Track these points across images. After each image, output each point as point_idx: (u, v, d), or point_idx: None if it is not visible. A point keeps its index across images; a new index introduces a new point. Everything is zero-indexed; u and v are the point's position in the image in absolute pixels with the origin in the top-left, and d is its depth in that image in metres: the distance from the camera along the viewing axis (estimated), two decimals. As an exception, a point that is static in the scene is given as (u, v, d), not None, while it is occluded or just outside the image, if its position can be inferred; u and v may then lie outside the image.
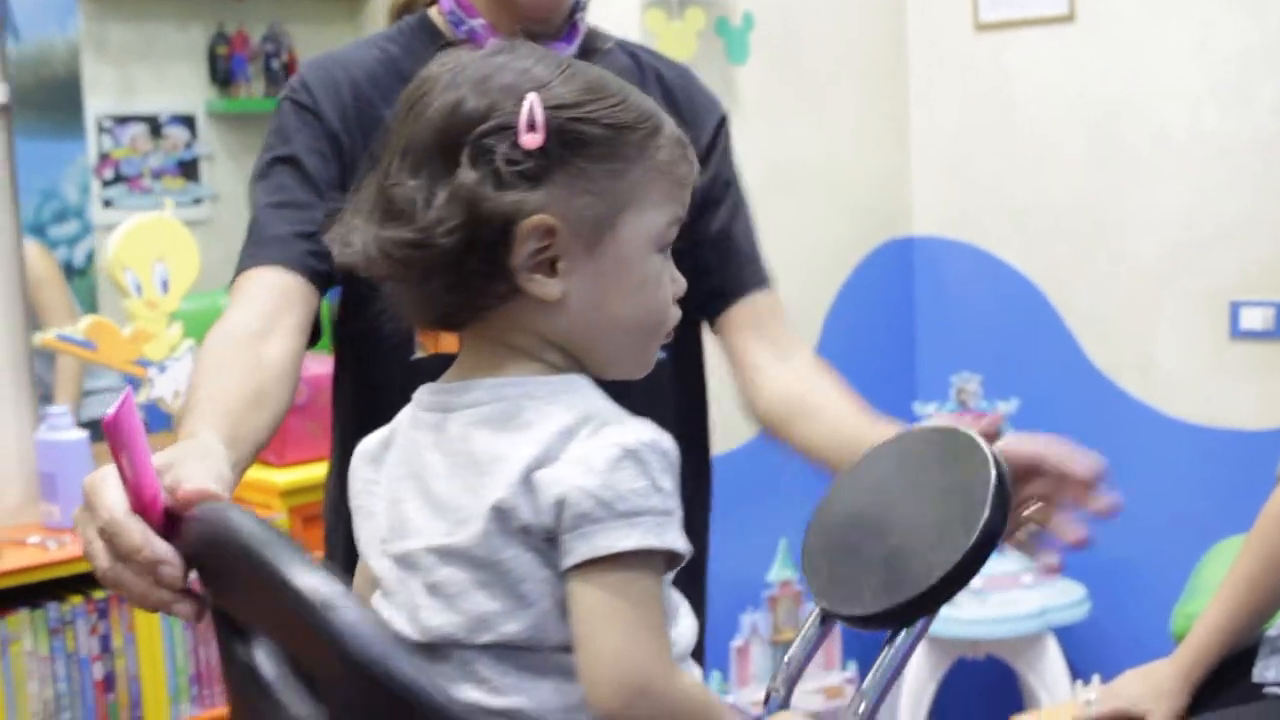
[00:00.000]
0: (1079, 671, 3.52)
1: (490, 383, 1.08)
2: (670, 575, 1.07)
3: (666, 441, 1.04)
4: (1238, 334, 3.48)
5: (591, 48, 1.71)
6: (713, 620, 1.78)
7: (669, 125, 1.12)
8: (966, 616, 3.40)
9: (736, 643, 3.35)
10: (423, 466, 1.09)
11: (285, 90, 1.67)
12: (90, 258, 2.97)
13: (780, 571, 3.41)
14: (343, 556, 1.56)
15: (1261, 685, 1.92)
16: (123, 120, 3.69)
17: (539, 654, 1.04)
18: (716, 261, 1.71)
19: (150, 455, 1.07)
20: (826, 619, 1.25)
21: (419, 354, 1.59)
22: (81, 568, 2.52)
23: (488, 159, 1.04)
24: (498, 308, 1.08)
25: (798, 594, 3.41)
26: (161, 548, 1.06)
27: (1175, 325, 3.55)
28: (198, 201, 3.80)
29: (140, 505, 1.06)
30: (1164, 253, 3.54)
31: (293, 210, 1.57)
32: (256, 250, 1.56)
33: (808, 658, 1.26)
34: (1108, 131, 3.60)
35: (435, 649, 1.06)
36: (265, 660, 1.04)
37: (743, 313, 1.71)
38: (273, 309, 1.50)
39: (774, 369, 1.67)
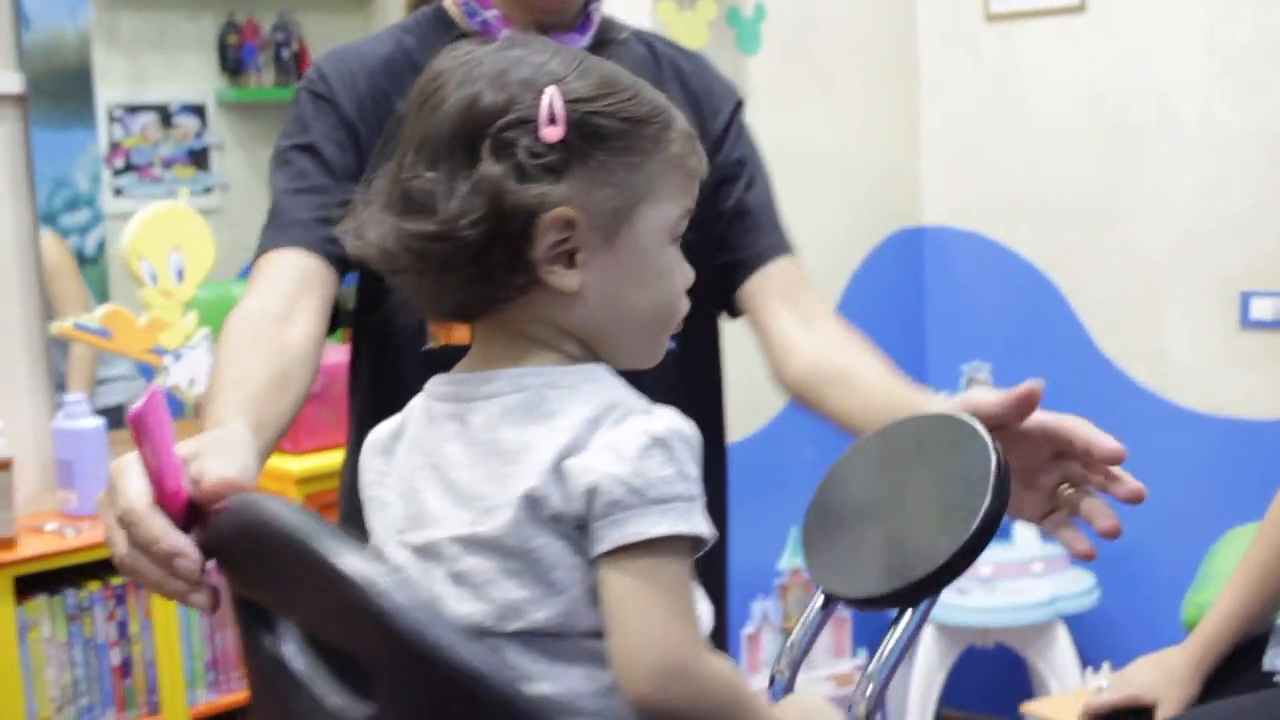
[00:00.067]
0: (1089, 660, 3.55)
1: (512, 373, 1.10)
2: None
3: (689, 428, 1.06)
4: (1248, 324, 3.50)
5: (607, 38, 1.73)
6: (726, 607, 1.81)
7: (680, 119, 1.15)
8: (976, 605, 3.43)
9: (747, 630, 3.39)
10: (442, 457, 1.11)
11: (302, 81, 1.70)
12: (101, 247, 3.00)
13: (791, 560, 3.44)
14: None
15: (1272, 674, 1.94)
16: (133, 109, 3.73)
17: (569, 640, 1.06)
18: (734, 235, 1.73)
19: (175, 449, 1.09)
20: (828, 602, 1.27)
21: (431, 345, 1.61)
22: (99, 554, 2.56)
23: (509, 152, 1.06)
24: (516, 299, 1.10)
25: (808, 582, 3.45)
26: (178, 540, 1.07)
27: (1185, 315, 3.57)
28: (208, 190, 3.84)
29: (162, 496, 1.08)
30: (1174, 243, 3.56)
31: (312, 195, 1.59)
32: (277, 234, 1.59)
33: (811, 641, 1.28)
34: (1118, 122, 3.62)
35: None
36: (294, 652, 1.05)
37: (765, 281, 1.71)
38: (294, 291, 1.52)
39: (801, 337, 1.66)
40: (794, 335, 1.66)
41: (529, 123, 1.07)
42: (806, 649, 1.29)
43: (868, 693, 1.20)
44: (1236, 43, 3.44)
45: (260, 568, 1.06)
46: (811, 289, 1.73)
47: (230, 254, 3.02)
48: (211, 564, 1.11)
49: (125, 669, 2.63)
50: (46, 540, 2.57)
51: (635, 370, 1.15)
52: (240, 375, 1.39)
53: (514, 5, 1.67)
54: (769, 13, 3.44)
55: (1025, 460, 1.38)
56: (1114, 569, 3.62)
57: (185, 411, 2.98)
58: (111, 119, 3.66)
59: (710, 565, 1.09)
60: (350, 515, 1.71)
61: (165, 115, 3.79)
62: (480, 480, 1.07)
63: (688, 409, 1.09)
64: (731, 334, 1.81)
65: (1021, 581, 3.50)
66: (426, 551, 1.08)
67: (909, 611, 1.20)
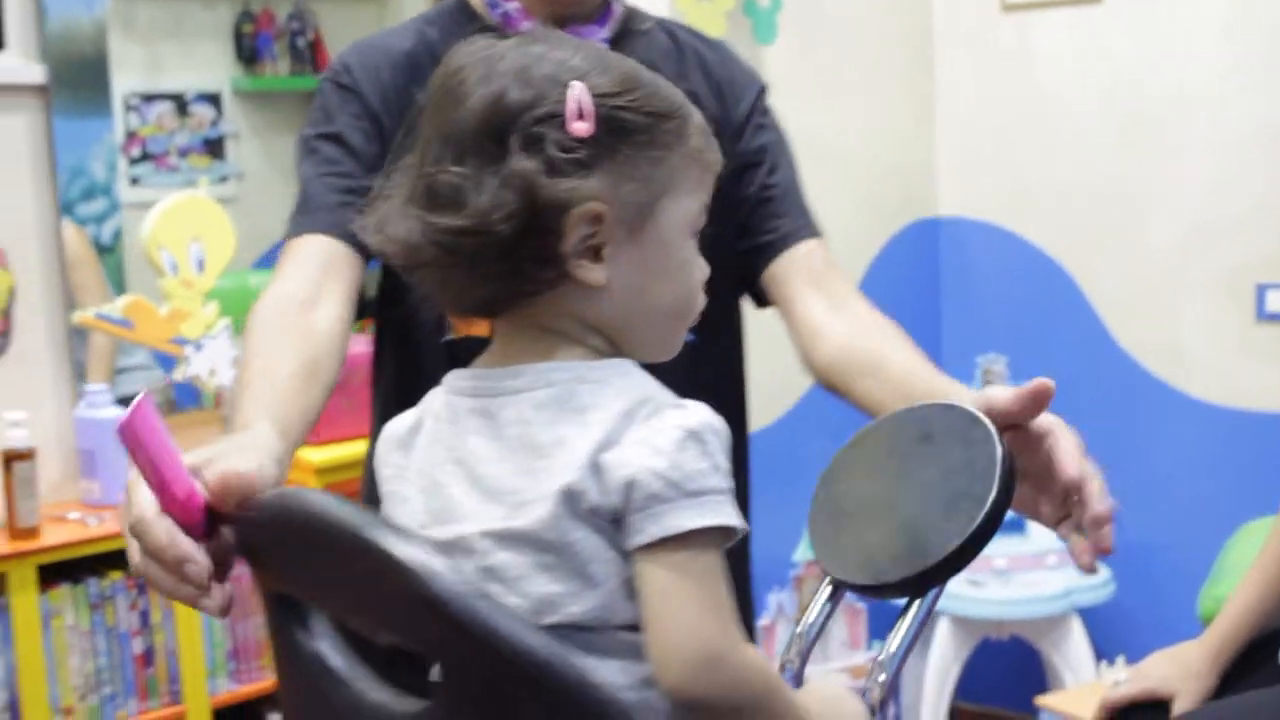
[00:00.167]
0: (1103, 653, 3.58)
1: (539, 367, 1.11)
2: None
3: (719, 421, 1.08)
4: (1263, 316, 3.52)
5: (631, 28, 1.74)
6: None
7: (697, 114, 1.17)
8: (991, 597, 3.45)
9: (763, 622, 3.42)
10: (467, 452, 1.12)
11: (326, 72, 1.72)
12: (117, 236, 3.03)
13: (806, 551, 3.47)
14: None
15: None
16: (149, 98, 3.77)
17: (604, 634, 1.07)
18: (758, 220, 1.73)
19: (178, 454, 1.09)
20: (836, 590, 1.29)
21: (452, 335, 1.62)
22: (121, 544, 2.58)
23: (539, 147, 1.07)
24: (543, 294, 1.11)
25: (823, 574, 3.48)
26: (186, 546, 1.09)
27: (1201, 307, 3.59)
28: (223, 179, 3.88)
29: (173, 504, 1.09)
30: (1190, 234, 3.58)
31: (338, 179, 1.61)
32: (303, 219, 1.61)
33: (820, 629, 1.30)
34: (1134, 113, 3.64)
35: None
36: (330, 648, 1.07)
37: (791, 264, 1.72)
38: (320, 276, 1.54)
39: (830, 322, 1.67)
40: (821, 319, 1.67)
41: (557, 117, 1.08)
42: (815, 637, 1.31)
43: (880, 680, 1.22)
44: (1252, 34, 3.46)
45: (302, 561, 1.07)
46: (838, 271, 1.73)
47: (246, 243, 3.06)
48: (230, 566, 1.14)
49: (147, 658, 2.66)
50: (69, 529, 2.61)
51: (653, 363, 1.16)
52: (267, 368, 1.42)
53: None
54: (785, 3, 3.47)
55: (1039, 461, 1.35)
56: (1129, 562, 3.64)
57: (205, 401, 3.03)
58: (128, 108, 3.70)
59: (735, 557, 1.11)
60: (372, 506, 1.75)
61: (181, 104, 3.83)
62: (511, 475, 1.09)
63: (706, 401, 1.10)
64: (747, 325, 1.82)
65: (1036, 574, 3.52)
66: (454, 546, 1.09)
67: (917, 600, 1.23)
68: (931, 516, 1.22)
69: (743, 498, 1.80)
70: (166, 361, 2.95)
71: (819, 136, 3.57)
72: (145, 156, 3.75)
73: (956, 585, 3.47)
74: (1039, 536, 3.62)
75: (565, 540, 1.06)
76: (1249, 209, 3.50)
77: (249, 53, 3.92)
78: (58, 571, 2.59)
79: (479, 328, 1.58)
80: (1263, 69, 3.45)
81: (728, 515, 1.06)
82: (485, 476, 1.10)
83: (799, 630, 1.30)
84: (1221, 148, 3.53)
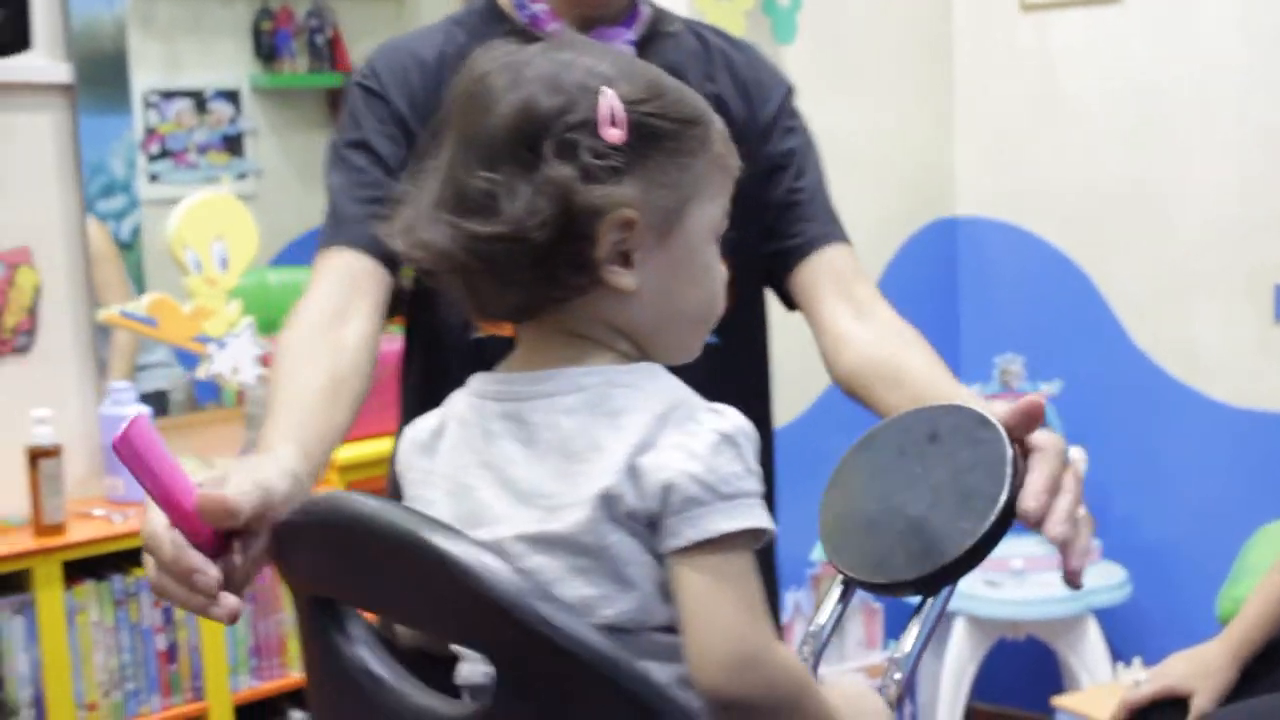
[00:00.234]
0: (1119, 654, 3.60)
1: (571, 372, 1.13)
2: None
3: (749, 424, 1.11)
4: (1282, 317, 3.56)
5: (658, 30, 1.75)
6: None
7: (718, 119, 1.20)
8: (1008, 597, 3.47)
9: (781, 621, 3.45)
10: (498, 456, 1.14)
11: (355, 75, 1.74)
12: (136, 232, 3.06)
13: (823, 551, 3.49)
14: None
15: None
16: (169, 95, 3.80)
17: (640, 636, 1.09)
18: (784, 224, 1.74)
19: (179, 469, 1.13)
20: (848, 588, 1.32)
21: (478, 334, 1.64)
22: (145, 541, 2.64)
23: (573, 154, 1.09)
24: (574, 299, 1.13)
25: (840, 574, 3.50)
26: (193, 558, 1.13)
27: (1219, 308, 3.61)
28: (242, 176, 3.90)
29: (181, 518, 1.13)
30: (1208, 235, 3.60)
31: (366, 190, 1.63)
32: (332, 233, 1.64)
33: (833, 627, 1.33)
34: (1153, 113, 3.66)
35: None
36: (370, 653, 1.09)
37: (816, 269, 1.73)
38: (348, 291, 1.57)
39: (854, 330, 1.68)
40: (846, 326, 1.69)
41: (589, 124, 1.10)
42: (829, 636, 1.33)
43: (896, 678, 1.26)
44: (1271, 34, 3.48)
45: (350, 565, 1.08)
46: (863, 276, 1.75)
47: (264, 240, 3.09)
48: (249, 577, 1.17)
49: (170, 654, 2.70)
50: (95, 526, 2.64)
51: (679, 365, 1.18)
52: (293, 389, 1.44)
53: (562, 1, 1.70)
54: (805, 2, 3.50)
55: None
56: (1146, 563, 3.67)
57: (226, 399, 3.06)
58: (147, 105, 3.72)
59: (761, 557, 1.13)
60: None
61: (200, 101, 3.85)
62: (544, 479, 1.11)
63: (731, 403, 1.13)
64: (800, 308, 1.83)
65: (1053, 574, 3.52)
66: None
67: (930, 599, 1.26)
68: (944, 516, 1.25)
69: (769, 499, 1.83)
70: (187, 359, 2.99)
71: (837, 136, 3.58)
72: (164, 153, 3.77)
73: (973, 585, 3.49)
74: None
75: (602, 544, 1.08)
76: (1267, 210, 3.52)
77: (268, 50, 3.93)
78: (82, 568, 2.62)
79: (505, 327, 1.60)
80: (1282, 69, 3.47)
81: (760, 518, 1.08)
82: (517, 480, 1.12)
83: (811, 629, 1.32)
84: (1240, 148, 3.55)
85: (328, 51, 4.00)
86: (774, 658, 1.08)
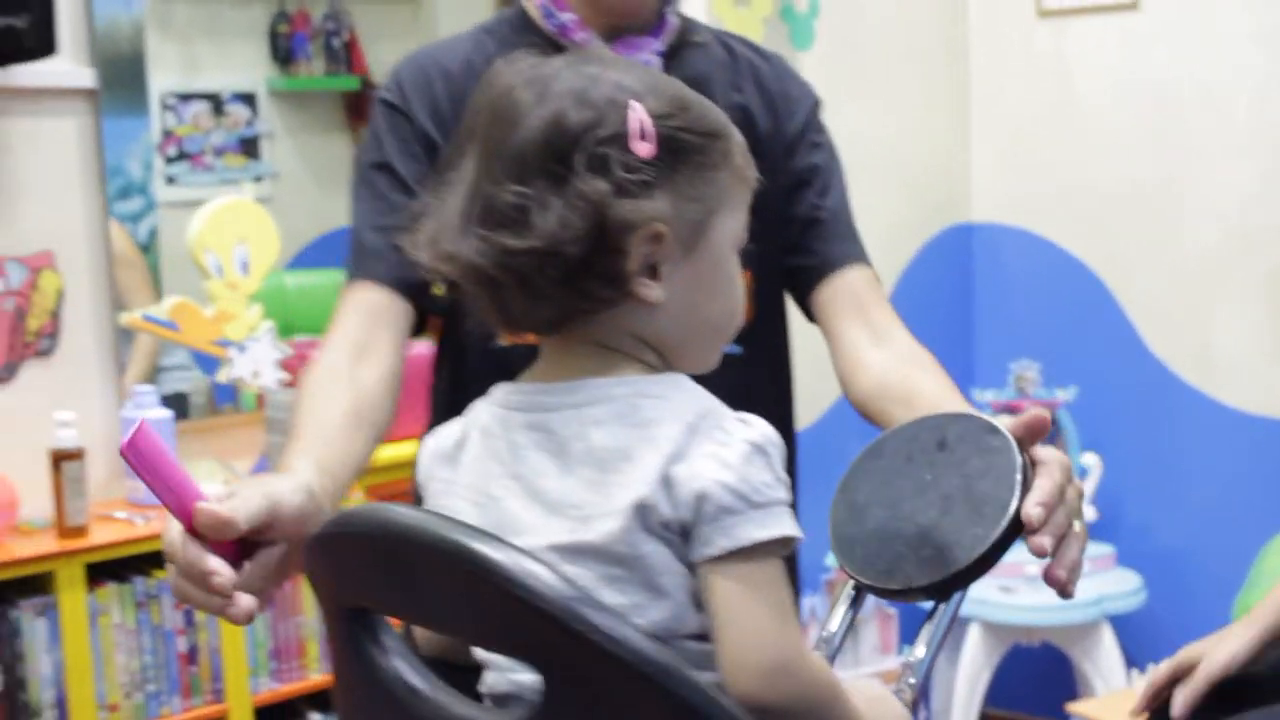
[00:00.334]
0: (1134, 660, 3.63)
1: (599, 383, 1.15)
2: None
3: (776, 434, 1.13)
4: (1298, 324, 3.58)
5: (686, 40, 1.77)
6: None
7: (738, 133, 1.23)
8: (1022, 603, 3.50)
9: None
10: (526, 466, 1.16)
11: (381, 88, 1.76)
12: (153, 234, 3.10)
13: (835, 557, 3.52)
14: None
15: None
16: (186, 97, 3.84)
17: (673, 644, 1.11)
18: (807, 241, 1.77)
19: (186, 476, 1.18)
20: (859, 594, 1.35)
21: (501, 342, 1.65)
22: (167, 543, 2.68)
23: (605, 168, 1.11)
24: (602, 311, 1.15)
25: (855, 579, 3.54)
26: (208, 562, 1.18)
27: (1235, 314, 3.64)
28: (258, 179, 3.94)
29: (189, 523, 1.18)
30: (1224, 241, 3.63)
31: (388, 217, 1.66)
32: (355, 265, 1.68)
33: (846, 631, 1.36)
34: (1169, 119, 3.69)
35: None
36: (406, 664, 1.10)
37: (836, 291, 1.75)
38: (370, 326, 1.62)
39: (870, 353, 1.71)
40: (863, 350, 1.72)
41: (620, 138, 1.12)
42: (841, 641, 1.36)
43: (911, 683, 1.29)
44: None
45: (387, 576, 1.09)
46: (882, 300, 1.78)
47: (280, 242, 3.12)
48: (273, 582, 1.22)
49: (191, 656, 2.73)
50: (117, 528, 2.67)
51: (700, 374, 1.21)
52: (313, 422, 1.49)
53: (590, 8, 1.71)
54: (822, 8, 3.54)
55: None
56: (1161, 570, 3.70)
57: (244, 403, 3.10)
58: (164, 107, 3.76)
59: (785, 564, 1.15)
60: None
61: (217, 103, 3.89)
62: (575, 489, 1.13)
63: (754, 411, 1.15)
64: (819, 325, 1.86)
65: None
66: None
67: (942, 604, 1.30)
68: (955, 522, 1.28)
69: (794, 504, 1.86)
70: (206, 362, 3.03)
71: (854, 141, 3.60)
72: (181, 156, 3.81)
73: (988, 591, 3.52)
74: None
75: (636, 553, 1.11)
76: (1284, 216, 3.54)
77: (284, 53, 3.97)
78: (105, 570, 2.65)
79: (528, 336, 1.63)
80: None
81: (790, 526, 1.11)
82: (546, 491, 1.14)
83: (824, 635, 1.35)
84: (1256, 154, 3.57)
85: (344, 54, 4.04)
86: (806, 663, 1.11)
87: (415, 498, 1.76)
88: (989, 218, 4.03)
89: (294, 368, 2.94)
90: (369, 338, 1.61)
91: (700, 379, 1.19)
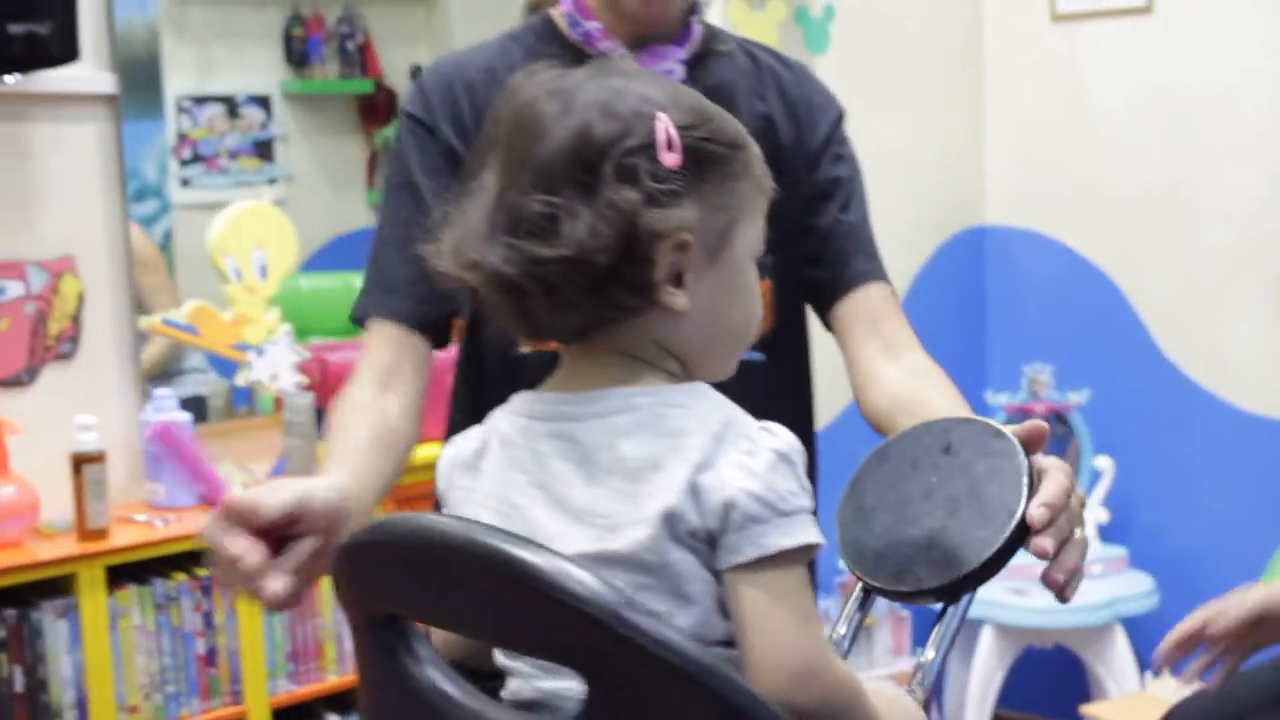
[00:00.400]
0: (1147, 663, 3.64)
1: (623, 392, 1.17)
2: None
3: (798, 442, 1.16)
4: (1312, 328, 3.61)
5: (710, 49, 1.78)
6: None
7: (754, 143, 1.25)
8: (1035, 606, 3.52)
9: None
10: (549, 475, 1.17)
11: (406, 99, 1.78)
12: (168, 237, 3.13)
13: (843, 560, 3.54)
14: None
15: None
16: (201, 100, 3.87)
17: None
18: (828, 255, 1.78)
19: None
20: (868, 596, 1.38)
21: (523, 350, 1.68)
22: (186, 546, 2.71)
23: (634, 178, 1.13)
24: (627, 320, 1.17)
25: (868, 581, 3.56)
26: (236, 545, 1.25)
27: (1248, 317, 3.66)
28: (272, 181, 3.97)
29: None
30: (1237, 244, 3.66)
31: (412, 242, 1.62)
32: (378, 296, 1.72)
33: (855, 633, 1.39)
34: (1182, 122, 3.72)
35: None
36: (441, 674, 1.11)
37: (855, 308, 1.77)
38: (394, 360, 1.67)
39: (884, 369, 1.73)
40: (878, 366, 1.74)
41: (647, 149, 1.14)
42: (851, 642, 1.39)
43: (924, 682, 1.32)
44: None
45: (423, 583, 1.10)
46: (899, 316, 1.80)
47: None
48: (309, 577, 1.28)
49: (210, 658, 2.77)
50: (137, 530, 2.71)
51: (725, 381, 1.23)
52: (342, 443, 1.55)
53: (615, 17, 1.72)
54: (837, 13, 3.57)
55: None
56: (1174, 572, 3.72)
57: (261, 406, 3.14)
58: (179, 110, 3.79)
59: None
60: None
61: (232, 106, 3.92)
62: (601, 498, 1.15)
63: (775, 418, 1.17)
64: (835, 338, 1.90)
65: (1082, 583, 3.59)
66: None
67: (952, 606, 1.33)
68: (963, 525, 1.31)
69: (814, 509, 1.89)
70: (222, 364, 3.06)
71: (869, 145, 3.63)
72: (196, 158, 3.84)
73: (1000, 594, 3.55)
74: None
75: (664, 562, 1.13)
76: (1297, 220, 3.56)
77: (298, 56, 4.00)
78: (125, 572, 2.69)
79: (550, 343, 1.66)
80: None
81: (814, 533, 1.14)
82: (571, 500, 1.16)
83: (833, 637, 1.37)
84: (1268, 157, 3.59)
85: (358, 57, 4.07)
86: (832, 666, 1.14)
87: (435, 505, 1.81)
88: (1002, 221, 4.06)
89: (311, 371, 2.98)
90: (393, 370, 1.66)
91: (724, 386, 1.21)
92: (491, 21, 3.63)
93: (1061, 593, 1.32)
